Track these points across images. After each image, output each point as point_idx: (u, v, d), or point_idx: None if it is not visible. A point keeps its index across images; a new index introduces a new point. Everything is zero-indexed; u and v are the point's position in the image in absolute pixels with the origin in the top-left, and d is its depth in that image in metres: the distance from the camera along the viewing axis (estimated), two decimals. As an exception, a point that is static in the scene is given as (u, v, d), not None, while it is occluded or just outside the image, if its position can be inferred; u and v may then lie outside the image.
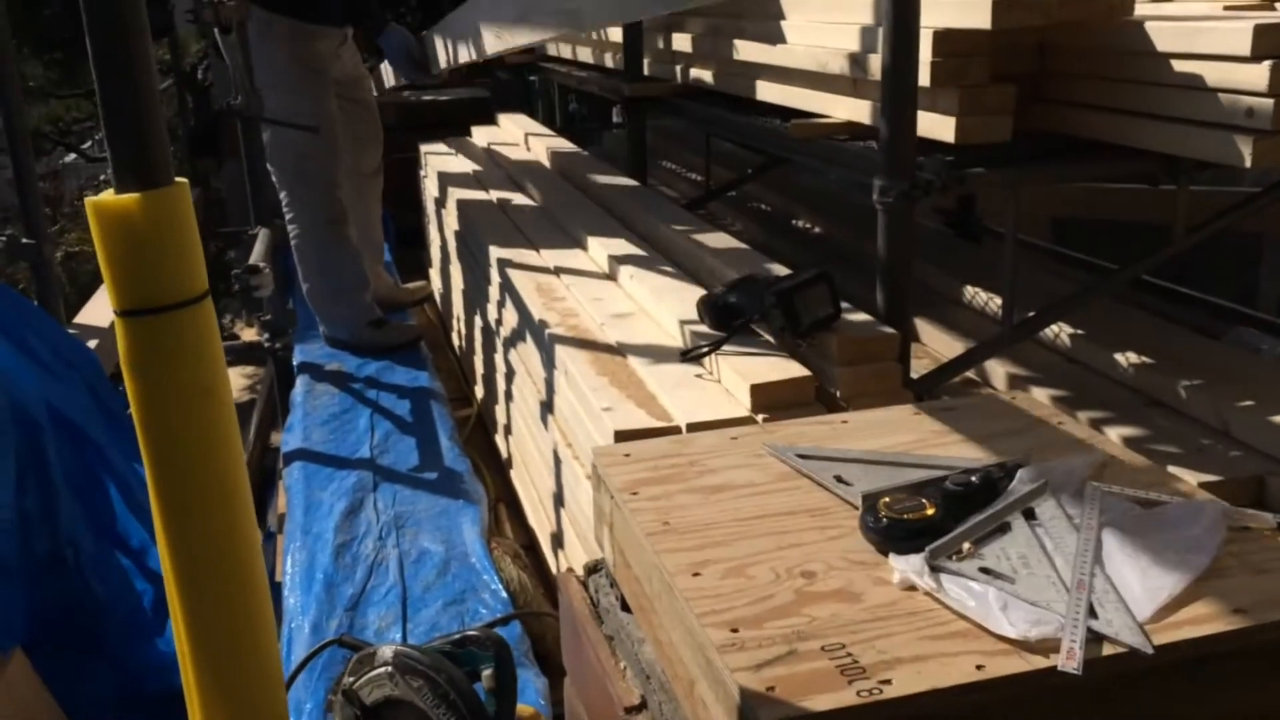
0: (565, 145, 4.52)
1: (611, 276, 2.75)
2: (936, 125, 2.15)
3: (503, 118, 5.43)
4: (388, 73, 4.51)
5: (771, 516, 1.36)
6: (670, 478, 1.47)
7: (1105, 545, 1.24)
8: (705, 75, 3.38)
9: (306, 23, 3.36)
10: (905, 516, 1.27)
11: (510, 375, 2.92)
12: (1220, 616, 1.13)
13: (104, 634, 2.60)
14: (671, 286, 2.50)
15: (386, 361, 3.46)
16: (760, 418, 1.88)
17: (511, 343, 2.84)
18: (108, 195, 1.24)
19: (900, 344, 2.02)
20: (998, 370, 2.47)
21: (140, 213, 1.22)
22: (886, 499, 1.31)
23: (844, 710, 1.01)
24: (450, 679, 1.46)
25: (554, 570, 2.57)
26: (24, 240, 3.24)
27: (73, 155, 10.99)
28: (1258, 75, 1.75)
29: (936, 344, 2.73)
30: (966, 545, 1.24)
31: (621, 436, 1.85)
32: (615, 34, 4.14)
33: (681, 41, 3.52)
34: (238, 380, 6.29)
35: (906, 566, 1.20)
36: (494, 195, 3.85)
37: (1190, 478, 1.84)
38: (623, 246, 2.85)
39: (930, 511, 1.28)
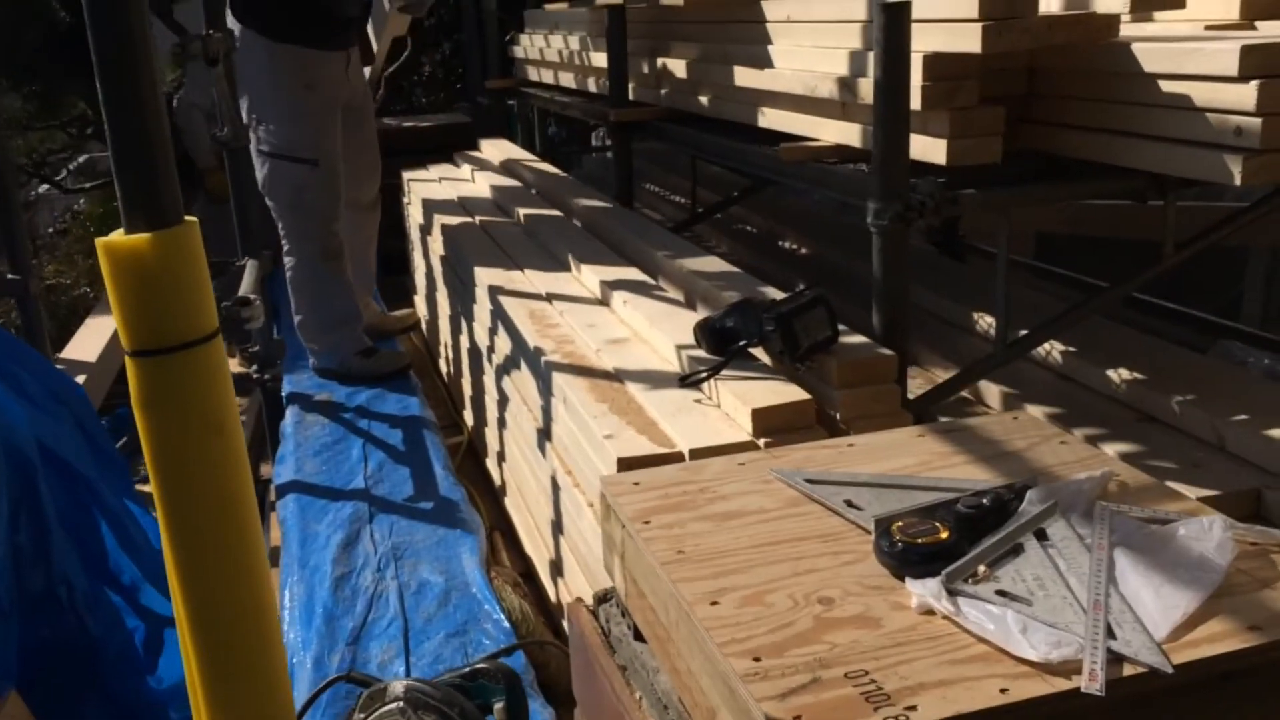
0: (550, 170, 4.54)
1: (604, 302, 2.76)
2: (928, 147, 2.17)
3: (485, 143, 5.44)
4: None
5: (785, 543, 1.36)
6: (681, 505, 1.47)
7: (1118, 565, 1.25)
8: (691, 99, 3.40)
9: (315, 48, 3.34)
10: (919, 540, 1.28)
11: (503, 402, 2.92)
12: (1236, 634, 1.14)
13: (97, 672, 2.57)
14: (666, 311, 2.51)
15: (377, 390, 3.45)
16: (762, 442, 1.88)
17: (505, 370, 2.84)
18: (118, 236, 1.24)
19: (898, 365, 2.04)
20: (992, 389, 2.48)
21: (151, 253, 1.22)
22: (899, 523, 1.31)
23: (872, 738, 1.01)
24: (463, 713, 1.45)
25: (553, 598, 2.56)
26: (9, 276, 3.22)
27: (45, 186, 10.94)
28: (1245, 95, 1.78)
29: (929, 363, 2.74)
30: (982, 568, 1.25)
31: (625, 463, 1.85)
32: (599, 59, 4.16)
33: (667, 66, 3.54)
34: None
35: (924, 591, 1.21)
36: (480, 221, 3.85)
37: (1188, 492, 1.85)
38: (614, 271, 2.86)
39: (944, 535, 1.28)
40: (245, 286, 2.97)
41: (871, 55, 2.33)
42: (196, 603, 1.29)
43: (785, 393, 1.96)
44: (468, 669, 1.55)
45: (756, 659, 1.13)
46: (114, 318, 1.26)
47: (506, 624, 2.18)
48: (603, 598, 1.62)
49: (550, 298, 2.85)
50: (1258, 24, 2.43)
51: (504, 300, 2.86)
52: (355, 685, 1.66)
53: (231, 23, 3.27)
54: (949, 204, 2.07)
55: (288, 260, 3.48)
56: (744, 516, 1.43)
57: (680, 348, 2.25)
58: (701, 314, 2.46)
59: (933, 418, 2.21)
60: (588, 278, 2.91)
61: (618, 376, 2.25)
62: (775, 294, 2.38)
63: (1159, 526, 1.32)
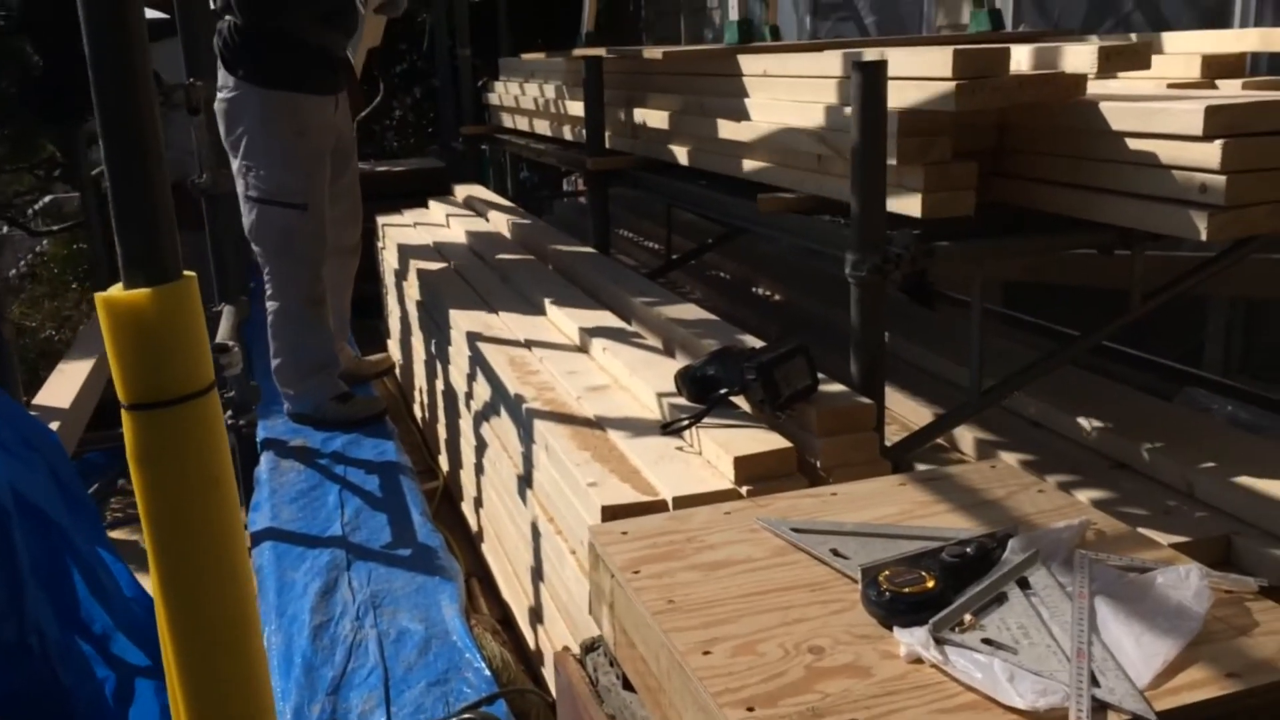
0: (525, 217, 4.57)
1: (583, 349, 2.78)
2: (903, 201, 2.23)
3: (459, 188, 5.47)
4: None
5: (773, 592, 1.38)
6: (670, 555, 1.49)
7: (1099, 613, 1.28)
8: (668, 149, 3.45)
9: (307, 93, 3.36)
10: (906, 590, 1.30)
11: (481, 448, 2.93)
12: (1215, 681, 1.17)
13: (68, 723, 2.53)
14: (646, 359, 2.53)
15: (353, 435, 3.44)
16: (744, 490, 1.91)
17: (484, 416, 2.85)
18: (116, 291, 1.25)
19: (876, 414, 2.07)
20: (966, 435, 2.53)
21: (150, 308, 1.23)
22: (886, 572, 1.34)
23: (868, 787, 1.03)
24: (453, 764, 1.45)
25: (532, 645, 2.56)
26: (-18, 321, 3.20)
27: (6, 228, 10.82)
28: (1210, 153, 1.84)
29: (902, 409, 2.78)
30: (968, 617, 1.28)
31: (609, 512, 1.86)
32: (575, 107, 4.22)
33: (643, 116, 3.60)
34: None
35: (912, 640, 1.23)
36: (457, 267, 3.87)
37: (1161, 539, 1.89)
38: (593, 318, 2.88)
39: (930, 584, 1.31)
40: (222, 333, 2.97)
41: (846, 109, 2.41)
42: (190, 655, 1.29)
43: (767, 441, 1.99)
44: (451, 718, 1.54)
45: (750, 709, 1.15)
46: (111, 371, 1.27)
47: (487, 672, 2.17)
48: (590, 647, 1.63)
49: (529, 344, 2.87)
50: (1218, 83, 2.52)
51: (483, 347, 2.88)
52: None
53: (222, 77, 3.29)
54: (925, 256, 2.12)
55: (270, 305, 3.48)
56: (732, 566, 1.45)
57: (661, 395, 2.27)
58: (681, 361, 2.49)
59: (909, 465, 2.24)
60: (566, 324, 2.93)
61: (599, 424, 2.27)
62: (753, 342, 2.42)
63: (1138, 575, 1.35)
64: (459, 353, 3.12)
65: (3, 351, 3.21)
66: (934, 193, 2.20)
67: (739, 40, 3.10)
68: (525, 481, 2.43)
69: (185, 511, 1.29)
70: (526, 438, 2.40)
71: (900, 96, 2.16)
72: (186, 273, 1.29)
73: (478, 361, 2.89)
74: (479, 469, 2.98)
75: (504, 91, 5.55)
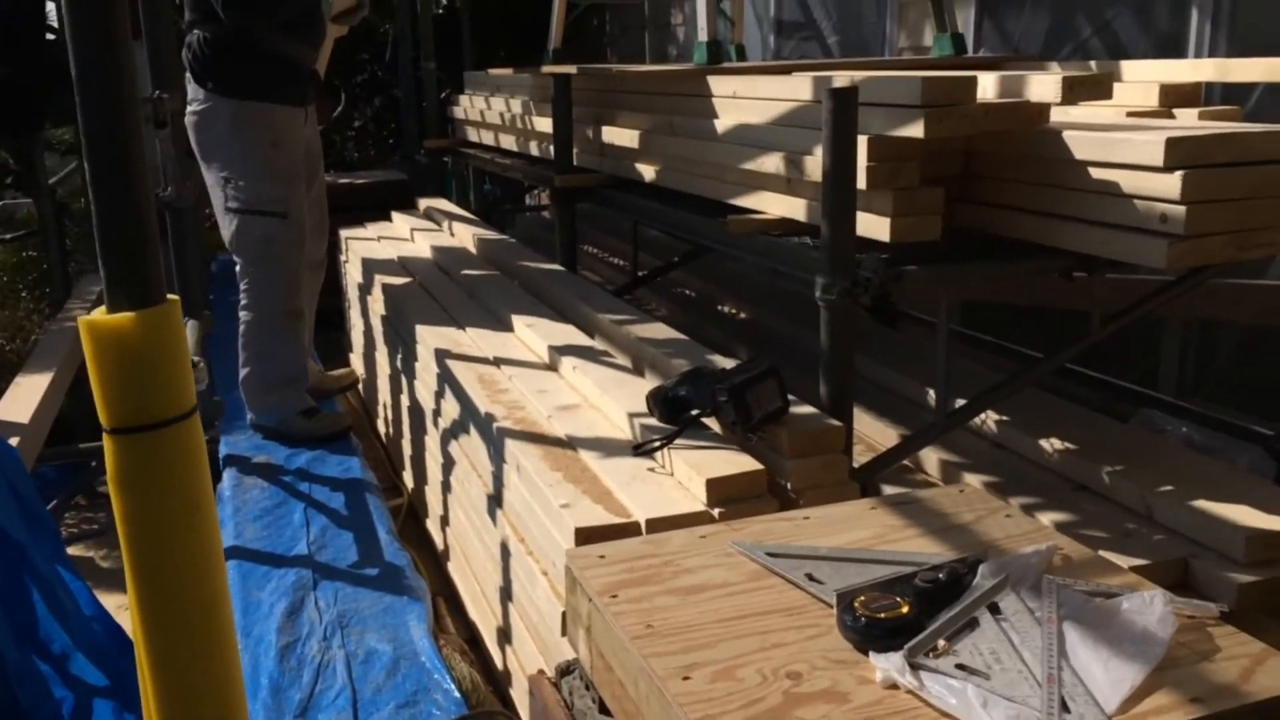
0: (489, 232, 4.57)
1: (553, 367, 2.79)
2: (872, 225, 2.26)
3: (423, 202, 5.46)
4: None
5: (750, 616, 1.40)
6: (647, 579, 1.50)
7: (1068, 638, 1.31)
8: (636, 168, 3.47)
9: (280, 104, 3.36)
10: (881, 615, 1.33)
11: (449, 466, 2.92)
12: (1180, 706, 1.20)
13: (26, 745, 2.50)
14: (616, 378, 2.55)
15: (317, 452, 3.42)
16: (716, 511, 1.92)
17: (452, 434, 2.85)
18: (100, 314, 1.25)
19: (846, 436, 2.10)
20: (931, 457, 2.56)
21: (134, 331, 1.23)
22: (861, 598, 1.36)
23: (849, 814, 1.05)
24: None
25: (500, 666, 2.55)
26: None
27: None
28: (1170, 184, 1.90)
29: (868, 430, 2.82)
30: (941, 642, 1.30)
31: (582, 533, 1.87)
32: (542, 123, 4.23)
33: (612, 134, 3.62)
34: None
35: (888, 665, 1.25)
36: (423, 282, 3.87)
37: (1121, 561, 1.94)
38: (562, 336, 2.89)
39: (905, 610, 1.34)
40: (189, 348, 2.94)
41: (814, 132, 2.44)
42: (168, 679, 1.29)
43: (739, 463, 2.01)
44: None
45: (731, 735, 1.16)
46: (94, 394, 1.26)
47: (457, 694, 2.17)
48: (565, 670, 1.64)
49: (498, 362, 2.87)
50: (1176, 111, 2.59)
51: (452, 364, 2.88)
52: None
53: (192, 90, 3.28)
54: (893, 280, 2.16)
55: (244, 315, 3.47)
56: (709, 590, 1.47)
57: (632, 415, 2.29)
58: (650, 381, 2.51)
59: (877, 486, 2.28)
60: (535, 342, 2.94)
61: (570, 444, 2.28)
62: (723, 362, 2.44)
63: (1104, 600, 1.39)
64: (426, 369, 3.11)
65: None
66: (902, 217, 2.24)
67: (708, 61, 3.12)
68: (495, 501, 2.44)
69: (166, 536, 1.28)
70: (497, 457, 2.41)
71: (869, 122, 2.20)
72: (170, 296, 1.29)
73: (446, 379, 2.89)
74: (446, 487, 2.97)
75: (469, 105, 5.55)
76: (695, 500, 1.97)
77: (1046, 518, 2.17)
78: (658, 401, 2.23)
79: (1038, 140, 2.19)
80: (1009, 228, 2.30)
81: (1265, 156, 1.94)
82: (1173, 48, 3.49)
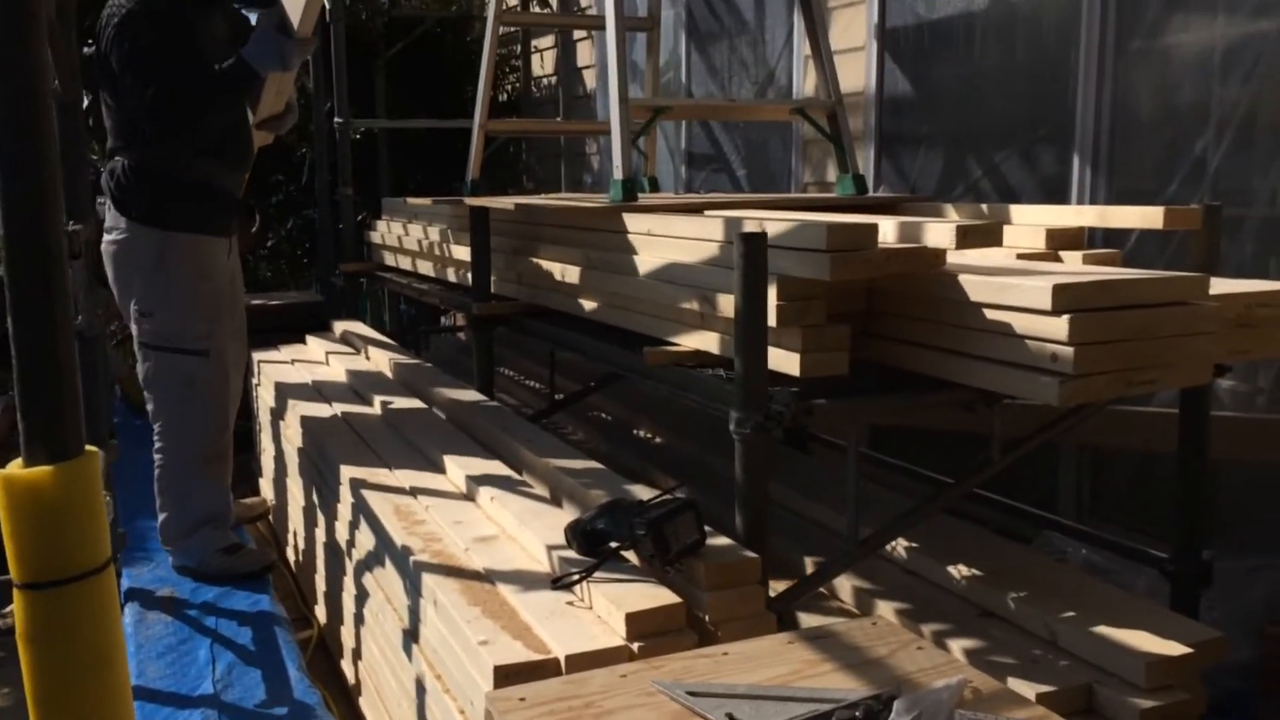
0: (406, 355, 4.59)
1: (470, 497, 2.79)
2: (782, 360, 2.35)
3: (338, 324, 5.46)
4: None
5: (672, 760, 1.41)
6: (568, 722, 1.50)
7: (980, 774, 1.35)
8: (554, 298, 3.55)
9: (207, 234, 3.30)
10: (802, 757, 1.35)
11: (362, 598, 2.88)
12: (1088, 840, 1.25)
13: None
14: (534, 509, 2.56)
15: (225, 586, 3.33)
16: (635, 645, 1.94)
17: (367, 565, 2.81)
18: (15, 468, 1.24)
19: (762, 567, 2.14)
20: (844, 584, 2.61)
21: (52, 485, 1.23)
22: (781, 738, 1.39)
23: None
24: None
25: (413, 806, 2.48)
26: None
27: None
28: (1059, 326, 2.02)
29: (776, 551, 2.85)
30: (859, 782, 1.33)
31: (501, 671, 1.86)
32: (460, 251, 4.29)
33: (529, 266, 3.70)
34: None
35: (809, 808, 1.27)
36: (338, 408, 3.85)
37: (1027, 689, 2.00)
38: (479, 466, 2.90)
39: (824, 750, 1.36)
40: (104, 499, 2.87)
41: (726, 271, 2.54)
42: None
43: (657, 596, 2.03)
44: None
45: None
46: (6, 549, 1.24)
47: (370, 840, 2.10)
48: (485, 816, 1.62)
49: (415, 492, 2.86)
50: (1061, 254, 2.76)
51: (367, 494, 2.86)
52: None
53: (112, 218, 3.24)
54: (805, 414, 2.23)
55: (160, 459, 3.35)
56: (630, 732, 1.48)
57: (551, 548, 2.30)
58: (569, 511, 2.53)
59: (792, 615, 2.31)
60: (452, 472, 2.94)
61: (489, 577, 2.28)
62: (640, 492, 2.48)
63: (1013, 734, 1.43)
64: (341, 499, 3.08)
65: None
66: (811, 353, 2.33)
67: (623, 198, 3.24)
68: (411, 636, 2.41)
69: (75, 692, 1.26)
70: (413, 590, 2.39)
71: (778, 263, 2.30)
72: (89, 448, 1.29)
73: (361, 509, 2.86)
74: (359, 619, 2.92)
75: (386, 230, 5.61)
76: (614, 635, 1.98)
77: (956, 644, 2.23)
78: (576, 534, 2.25)
79: (936, 282, 2.31)
80: (911, 362, 2.41)
81: (1144, 300, 2.09)
82: (1057, 190, 3.73)
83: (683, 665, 1.68)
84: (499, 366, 5.58)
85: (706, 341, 2.69)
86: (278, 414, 4.21)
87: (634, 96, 3.47)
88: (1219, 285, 2.34)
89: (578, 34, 7.26)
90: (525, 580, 2.23)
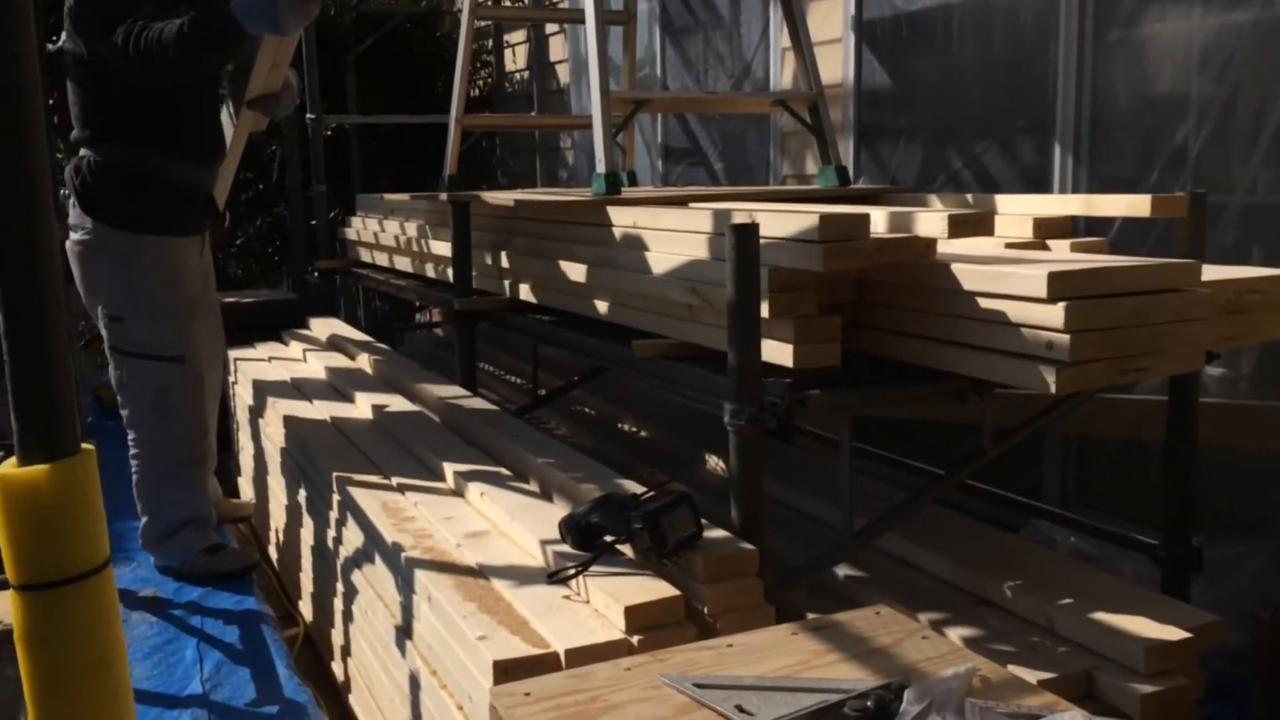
0: (383, 352, 4.54)
1: (459, 493, 2.76)
2: (775, 351, 2.34)
3: (314, 321, 5.41)
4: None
5: (684, 753, 1.39)
6: (575, 716, 1.49)
7: (994, 761, 1.35)
8: (537, 292, 3.52)
9: (178, 235, 3.19)
10: (816, 747, 1.34)
11: (350, 595, 2.84)
12: (1105, 825, 1.24)
13: None
14: (525, 504, 2.54)
15: (208, 586, 3.28)
16: (635, 639, 1.92)
17: (355, 563, 2.78)
18: (10, 467, 1.21)
19: (759, 559, 2.13)
20: (838, 574, 2.61)
21: (49, 485, 1.20)
22: (794, 729, 1.38)
23: None
24: None
25: (407, 805, 2.46)
26: None
27: None
28: (1054, 314, 2.02)
29: (774, 549, 2.85)
30: (875, 771, 1.32)
31: (501, 666, 1.84)
32: (439, 246, 4.26)
33: (512, 260, 3.67)
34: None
35: (826, 799, 1.26)
36: (318, 405, 3.81)
37: (1029, 675, 2.00)
38: (467, 462, 2.88)
39: (837, 741, 1.35)
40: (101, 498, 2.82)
41: (715, 263, 2.53)
42: None
43: (655, 589, 2.01)
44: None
45: None
46: (3, 550, 1.21)
47: (366, 840, 2.08)
48: (491, 814, 1.60)
49: (402, 489, 2.83)
50: (1049, 242, 2.77)
51: (353, 491, 2.83)
52: None
53: (77, 216, 3.14)
54: (799, 405, 2.22)
55: (137, 465, 3.27)
56: (640, 726, 1.46)
57: (545, 542, 2.28)
58: (560, 506, 2.51)
59: (792, 606, 2.30)
60: (440, 468, 2.91)
61: (482, 572, 2.25)
62: (632, 487, 2.46)
63: (1024, 721, 1.43)
64: (326, 497, 3.05)
65: None
66: (804, 344, 2.32)
67: (606, 191, 3.21)
68: (404, 632, 2.38)
69: (74, 695, 1.23)
70: (406, 587, 2.36)
71: (769, 254, 2.28)
72: (85, 445, 1.25)
73: (348, 506, 2.83)
74: (348, 617, 2.89)
75: (361, 226, 5.56)
76: (613, 628, 1.96)
77: (954, 633, 2.23)
78: (571, 528, 2.24)
79: (928, 272, 2.31)
80: (903, 353, 2.40)
81: (1138, 288, 2.09)
82: (1038, 180, 3.74)
83: (687, 658, 1.66)
84: (480, 361, 5.55)
85: (695, 334, 2.67)
86: (257, 412, 4.16)
87: (613, 90, 3.44)
88: (1209, 272, 2.36)
89: (550, 28, 7.22)
90: (520, 575, 2.21)
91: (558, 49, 7.19)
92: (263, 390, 4.15)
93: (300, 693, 2.68)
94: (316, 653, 3.33)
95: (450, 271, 3.97)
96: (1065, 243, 2.75)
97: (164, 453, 3.25)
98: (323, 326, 5.30)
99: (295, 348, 4.98)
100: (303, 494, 3.35)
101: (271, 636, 2.99)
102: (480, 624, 2.01)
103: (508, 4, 7.64)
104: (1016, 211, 2.88)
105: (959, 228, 2.36)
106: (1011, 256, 2.41)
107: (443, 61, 7.91)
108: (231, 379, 4.78)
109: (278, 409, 3.79)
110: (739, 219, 2.35)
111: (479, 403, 3.50)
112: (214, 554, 3.33)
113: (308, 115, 6.17)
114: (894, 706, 1.43)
